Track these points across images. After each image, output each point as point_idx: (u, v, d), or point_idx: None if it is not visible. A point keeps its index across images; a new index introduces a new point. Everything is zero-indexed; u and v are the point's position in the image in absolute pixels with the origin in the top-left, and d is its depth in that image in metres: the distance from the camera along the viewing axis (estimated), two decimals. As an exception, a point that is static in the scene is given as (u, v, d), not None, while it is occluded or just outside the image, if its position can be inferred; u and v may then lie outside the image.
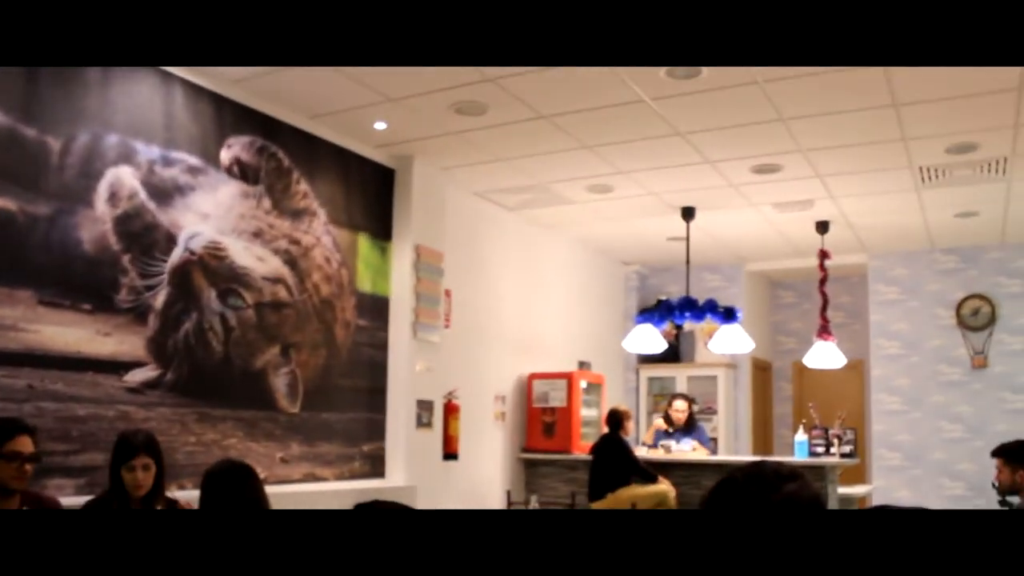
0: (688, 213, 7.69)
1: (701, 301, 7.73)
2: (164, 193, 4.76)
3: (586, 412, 8.26)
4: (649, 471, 6.95)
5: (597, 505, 6.86)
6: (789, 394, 10.75)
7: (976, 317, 8.91)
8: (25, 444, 3.30)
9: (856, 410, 9.80)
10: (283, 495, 4.96)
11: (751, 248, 9.28)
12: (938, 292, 9.11)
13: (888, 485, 8.97)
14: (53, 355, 4.17)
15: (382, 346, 6.34)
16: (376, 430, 6.23)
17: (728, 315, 7.72)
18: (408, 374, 6.33)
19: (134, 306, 4.57)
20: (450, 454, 6.74)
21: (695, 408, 8.36)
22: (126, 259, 4.54)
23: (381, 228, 6.40)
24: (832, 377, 9.70)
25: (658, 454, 7.65)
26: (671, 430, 7.96)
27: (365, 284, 6.21)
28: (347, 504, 6.19)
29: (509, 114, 5.58)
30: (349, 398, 6.00)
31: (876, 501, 8.39)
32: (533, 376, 8.16)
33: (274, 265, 5.43)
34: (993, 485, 4.68)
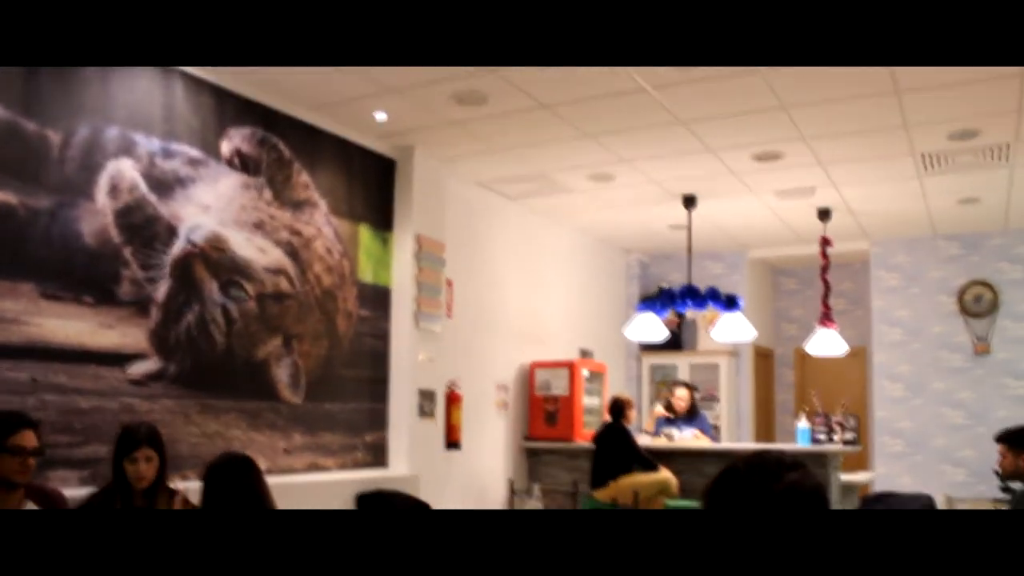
0: (690, 201, 7.68)
1: (703, 289, 7.73)
2: (165, 185, 4.76)
3: (588, 400, 8.27)
4: (650, 460, 6.96)
5: (599, 493, 6.87)
6: (791, 381, 10.75)
7: (978, 304, 8.90)
8: (29, 438, 3.32)
9: (858, 397, 9.81)
10: (286, 485, 4.98)
11: (753, 235, 9.28)
12: (940, 279, 9.10)
13: (890, 472, 8.99)
14: (56, 348, 4.18)
15: (384, 336, 6.35)
16: (378, 420, 6.24)
17: (730, 303, 7.72)
18: (410, 364, 6.33)
19: (136, 298, 4.57)
20: (452, 443, 6.76)
21: (697, 396, 8.36)
22: (127, 252, 4.54)
23: (382, 218, 6.40)
24: (834, 364, 9.70)
25: (660, 442, 7.66)
26: (672, 417, 7.97)
27: (367, 274, 6.21)
28: (350, 493, 6.21)
29: (510, 104, 5.57)
30: (351, 388, 6.01)
31: (878, 488, 8.40)
32: (535, 365, 8.17)
33: (275, 256, 5.44)
34: (995, 471, 4.68)
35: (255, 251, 5.28)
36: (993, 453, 4.73)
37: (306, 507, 5.01)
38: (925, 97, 5.36)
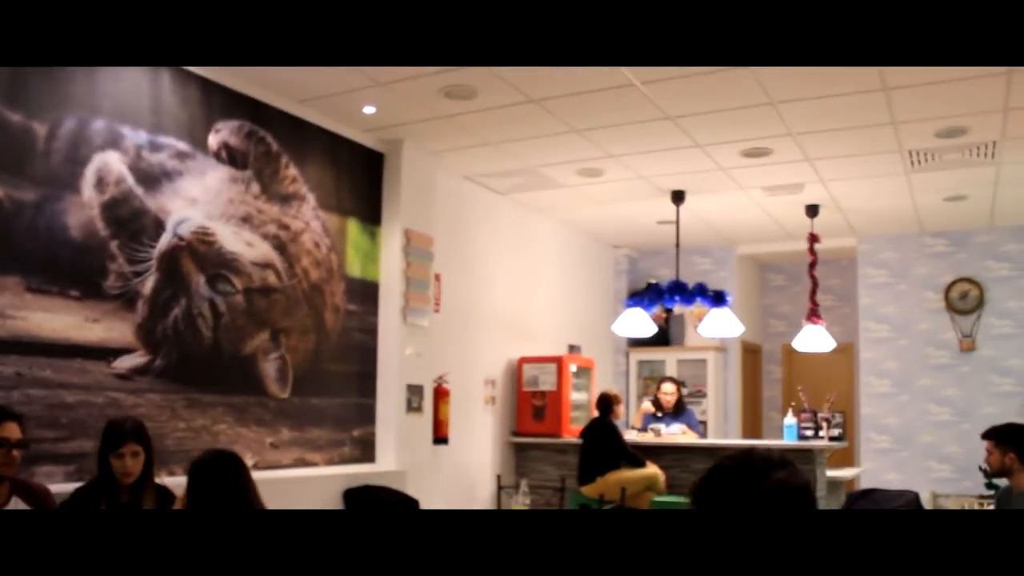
0: (678, 197, 7.69)
1: (691, 284, 7.74)
2: (152, 178, 4.73)
3: (576, 396, 8.28)
4: (636, 456, 6.97)
5: (587, 489, 6.88)
6: (778, 377, 10.79)
7: (964, 300, 8.95)
8: (12, 430, 3.29)
9: (845, 393, 9.85)
10: (273, 480, 4.97)
11: (741, 231, 9.30)
12: (927, 275, 9.15)
13: (876, 468, 9.04)
14: (41, 342, 4.15)
15: (372, 331, 6.33)
16: (366, 415, 6.23)
17: (718, 298, 7.74)
18: (398, 359, 6.33)
19: (122, 292, 4.55)
20: (440, 438, 6.75)
21: (684, 391, 8.39)
22: (114, 245, 4.51)
23: (370, 212, 6.38)
24: (821, 360, 9.74)
25: (648, 437, 7.68)
26: (660, 414, 7.99)
27: (354, 269, 6.20)
28: (337, 489, 6.18)
29: (499, 98, 5.56)
30: (339, 383, 6.00)
31: (864, 484, 8.44)
32: (523, 360, 8.17)
33: (263, 250, 5.41)
34: (981, 468, 4.70)
35: (242, 245, 5.26)
36: (979, 450, 4.75)
37: (293, 502, 5.00)
38: (913, 95, 5.38)
